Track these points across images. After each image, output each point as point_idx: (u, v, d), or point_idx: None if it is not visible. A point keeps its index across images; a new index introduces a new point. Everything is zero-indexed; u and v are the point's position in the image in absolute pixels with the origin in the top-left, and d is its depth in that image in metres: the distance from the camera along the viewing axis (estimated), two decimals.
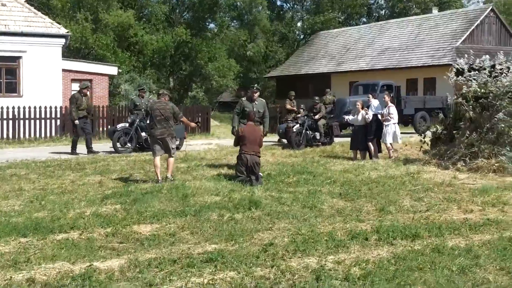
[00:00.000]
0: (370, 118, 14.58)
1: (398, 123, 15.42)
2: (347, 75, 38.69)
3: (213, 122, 28.41)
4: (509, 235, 7.14)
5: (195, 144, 18.15)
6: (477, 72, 13.47)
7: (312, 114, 18.63)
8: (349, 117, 15.82)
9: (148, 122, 11.74)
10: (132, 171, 12.87)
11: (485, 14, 35.14)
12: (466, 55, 14.00)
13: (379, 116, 15.00)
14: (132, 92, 30.82)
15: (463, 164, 12.51)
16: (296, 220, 8.04)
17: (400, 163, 13.48)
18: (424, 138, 14.72)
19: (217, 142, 20.08)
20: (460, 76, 13.87)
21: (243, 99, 13.31)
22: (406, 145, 16.44)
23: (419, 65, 34.26)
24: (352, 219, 8.14)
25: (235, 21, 55.69)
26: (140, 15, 43.50)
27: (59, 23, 25.81)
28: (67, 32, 24.18)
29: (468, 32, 34.32)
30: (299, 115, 19.05)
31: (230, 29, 52.31)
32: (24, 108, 20.92)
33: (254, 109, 12.49)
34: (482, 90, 13.12)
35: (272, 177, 11.70)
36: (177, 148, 13.96)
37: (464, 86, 13.59)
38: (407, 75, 34.56)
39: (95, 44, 35.93)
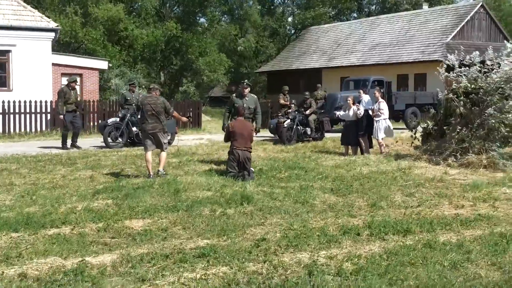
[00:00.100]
0: (362, 113, 14.60)
1: (389, 119, 15.46)
2: (338, 71, 38.71)
3: (204, 117, 28.36)
4: (500, 230, 7.19)
5: (186, 139, 18.11)
6: (467, 68, 13.52)
7: (302, 110, 18.64)
8: (340, 113, 15.84)
9: (139, 117, 11.68)
10: (124, 166, 12.83)
11: (475, 10, 35.24)
12: (456, 51, 14.04)
13: (370, 112, 15.04)
14: (123, 87, 30.70)
15: (454, 160, 12.58)
16: (288, 215, 8.05)
17: (391, 159, 13.53)
18: (415, 133, 14.77)
19: (209, 137, 20.06)
20: (450, 72, 13.91)
21: (234, 95, 13.26)
22: (397, 141, 16.49)
23: (410, 60, 34.33)
24: (344, 214, 8.16)
25: (225, 15, 55.60)
26: (130, 9, 43.27)
27: (48, 17, 25.64)
28: (57, 26, 24.02)
29: (458, 28, 34.41)
30: (290, 110, 19.05)
31: (221, 24, 52.19)
32: (14, 102, 20.78)
33: (245, 105, 12.39)
34: (473, 86, 13.17)
35: (264, 172, 11.71)
36: (169, 143, 13.93)
37: (454, 82, 13.64)
38: (398, 71, 34.64)
39: (85, 38, 35.74)
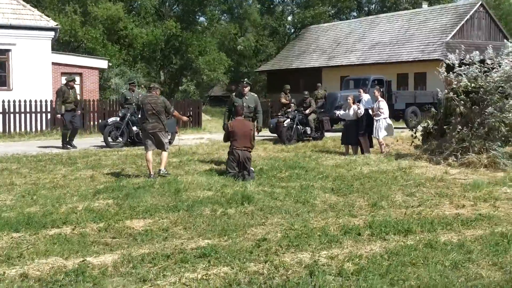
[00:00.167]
0: (362, 112, 14.60)
1: (389, 118, 15.45)
2: (338, 70, 38.72)
3: (204, 117, 28.37)
4: (501, 230, 7.18)
5: (186, 139, 18.11)
6: (467, 67, 13.51)
7: (302, 109, 18.63)
8: (340, 112, 15.83)
9: (139, 116, 11.67)
10: (124, 165, 12.83)
11: (475, 9, 35.25)
12: (457, 51, 14.03)
13: (370, 111, 15.04)
14: (123, 86, 30.68)
15: (455, 159, 12.58)
16: (289, 215, 8.05)
17: (391, 158, 13.53)
18: (415, 133, 14.76)
19: (209, 136, 20.06)
20: (450, 72, 13.90)
21: (233, 94, 13.21)
22: (397, 140, 16.49)
23: (410, 59, 34.34)
24: (345, 214, 8.16)
25: (225, 14, 55.56)
26: (130, 8, 43.25)
27: (48, 16, 25.65)
28: (56, 25, 24.01)
29: (458, 27, 34.42)
30: (289, 109, 19.04)
31: (221, 23, 52.17)
32: (14, 101, 20.78)
33: (244, 104, 12.30)
34: (473, 85, 13.17)
35: (265, 172, 11.71)
36: (169, 142, 13.92)
37: (454, 81, 13.64)
38: (398, 70, 34.64)
39: (84, 37, 35.72)
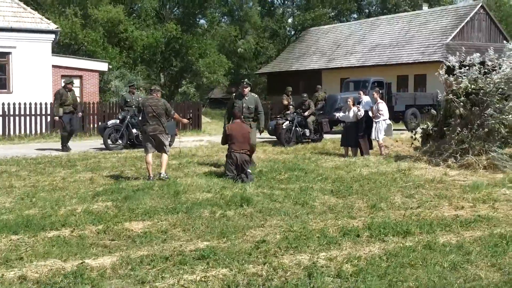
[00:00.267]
0: (362, 114, 14.60)
1: (389, 119, 15.45)
2: (338, 72, 38.72)
3: (204, 119, 28.37)
4: (500, 231, 7.19)
5: (186, 141, 18.11)
6: (467, 68, 13.52)
7: (301, 111, 18.64)
8: (339, 114, 15.80)
9: (140, 118, 11.66)
10: (123, 168, 12.84)
11: (475, 11, 35.25)
12: (458, 53, 14.03)
13: (370, 113, 15.04)
14: (123, 89, 30.68)
15: (454, 161, 12.57)
16: (288, 217, 8.05)
17: (391, 160, 13.53)
18: (415, 134, 14.76)
19: (209, 138, 20.07)
20: (450, 74, 13.91)
21: (233, 95, 13.19)
22: (397, 141, 16.49)
23: (410, 61, 34.34)
24: (344, 215, 8.16)
25: (225, 17, 55.59)
26: (130, 11, 43.24)
27: (48, 19, 25.67)
28: (57, 27, 24.04)
29: (458, 29, 34.42)
30: (288, 111, 19.04)
31: (221, 25, 52.19)
32: (14, 104, 20.79)
33: (244, 105, 12.27)
34: (473, 86, 13.17)
35: (264, 173, 11.71)
36: (169, 144, 13.92)
37: (454, 83, 13.64)
38: (398, 72, 34.64)
39: (84, 40, 35.74)
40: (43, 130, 21.27)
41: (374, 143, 15.23)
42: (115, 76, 33.69)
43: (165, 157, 11.21)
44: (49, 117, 21.32)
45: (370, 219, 7.80)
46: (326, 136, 19.39)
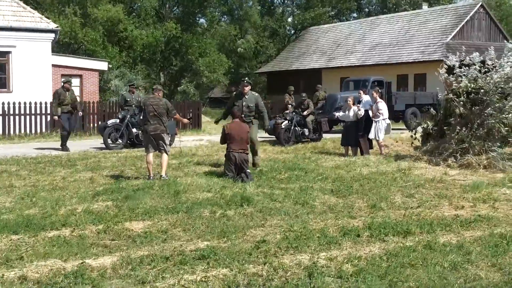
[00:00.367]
0: (362, 114, 14.59)
1: (389, 119, 15.44)
2: (338, 71, 38.69)
3: (204, 118, 28.35)
4: (500, 231, 7.19)
5: (186, 140, 18.10)
6: (467, 68, 13.52)
7: (300, 110, 18.62)
8: (339, 114, 15.79)
9: (141, 117, 11.64)
10: (124, 167, 12.84)
11: (475, 10, 35.21)
12: (458, 53, 14.02)
13: (370, 112, 15.04)
14: (123, 88, 30.67)
15: (454, 160, 12.58)
16: (288, 217, 8.06)
17: (391, 159, 13.53)
18: (415, 134, 14.76)
19: (209, 138, 20.05)
20: (450, 74, 13.91)
21: (234, 94, 13.16)
22: (397, 141, 16.48)
23: (410, 61, 34.31)
24: (344, 215, 8.17)
25: (225, 16, 55.55)
26: (130, 10, 43.21)
27: (48, 18, 25.65)
28: (57, 27, 24.02)
29: (458, 28, 34.39)
30: (287, 111, 19.01)
31: (221, 24, 52.15)
32: (14, 103, 20.79)
33: (244, 103, 12.22)
34: (472, 86, 13.17)
35: (264, 173, 11.71)
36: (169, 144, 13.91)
37: (454, 82, 13.65)
38: (398, 71, 34.62)
39: (84, 39, 35.71)
40: (43, 130, 21.26)
41: (374, 142, 15.22)
42: (115, 75, 33.68)
43: (165, 157, 11.18)
44: (49, 117, 21.30)
45: (370, 219, 7.81)
46: (326, 135, 19.38)
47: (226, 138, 11.40)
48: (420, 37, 35.84)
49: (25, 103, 20.96)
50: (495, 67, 13.24)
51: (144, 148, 11.98)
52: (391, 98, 24.02)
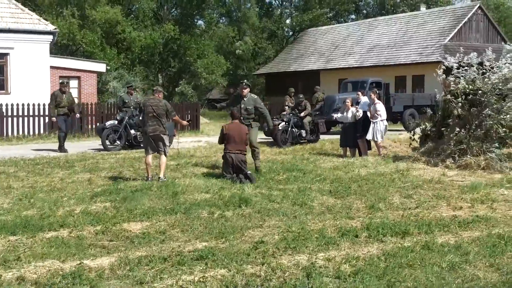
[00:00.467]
0: (361, 115, 14.60)
1: (386, 120, 15.45)
2: (336, 72, 38.74)
3: (202, 120, 28.35)
4: (498, 231, 7.19)
5: (184, 142, 18.09)
6: (465, 69, 13.53)
7: (297, 112, 18.62)
8: (337, 115, 15.79)
9: (140, 118, 11.61)
10: (122, 168, 12.83)
11: (473, 11, 35.27)
12: (458, 54, 14.02)
13: (368, 113, 15.04)
14: (121, 89, 30.67)
15: (452, 161, 12.58)
16: (286, 218, 8.06)
17: (389, 160, 13.54)
18: (413, 135, 14.77)
19: (207, 139, 20.05)
20: (448, 74, 13.92)
21: (234, 95, 13.11)
22: (395, 142, 16.49)
23: (408, 62, 34.37)
24: (342, 216, 8.17)
25: (223, 18, 55.59)
26: (128, 12, 43.23)
27: (46, 20, 25.65)
28: (55, 28, 24.02)
29: (456, 30, 34.44)
30: (284, 112, 18.99)
31: (219, 26, 52.19)
32: (12, 105, 20.78)
33: (242, 106, 12.14)
34: (470, 87, 13.18)
35: (262, 174, 11.71)
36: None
37: (452, 84, 13.66)
38: (396, 73, 34.66)
39: (82, 41, 35.72)
40: (41, 131, 21.25)
41: (372, 143, 15.22)
42: (113, 77, 33.70)
43: (163, 159, 11.13)
44: (47, 118, 21.31)
45: (368, 220, 7.81)
46: (324, 136, 19.38)
47: (224, 138, 11.38)
48: (418, 39, 35.90)
49: (23, 105, 20.96)
50: (493, 68, 13.26)
51: (144, 150, 11.95)
52: (389, 99, 24.05)
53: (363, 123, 14.76)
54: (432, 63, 30.53)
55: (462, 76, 13.48)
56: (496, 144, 12.77)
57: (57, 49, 32.28)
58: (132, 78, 34.40)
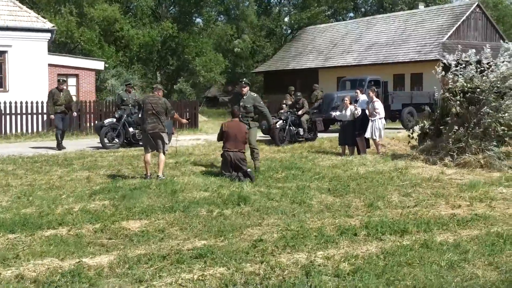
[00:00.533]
0: (359, 113, 14.61)
1: (384, 118, 15.45)
2: (335, 70, 38.74)
3: (201, 118, 28.33)
4: (496, 230, 7.20)
5: (183, 140, 18.08)
6: (463, 66, 13.54)
7: (295, 110, 18.60)
8: (336, 113, 15.79)
9: (140, 116, 11.58)
10: (120, 166, 12.82)
11: (471, 9, 35.30)
12: (456, 52, 14.02)
13: (366, 111, 15.04)
14: (119, 87, 30.64)
15: (451, 160, 12.59)
16: (285, 216, 8.06)
17: (388, 159, 13.54)
18: (412, 133, 14.77)
19: (205, 137, 20.06)
20: (447, 72, 13.93)
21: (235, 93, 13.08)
22: (393, 139, 16.49)
23: (406, 60, 34.38)
24: (341, 214, 8.17)
25: (222, 15, 55.53)
26: (126, 9, 43.17)
27: (44, 17, 25.62)
28: (53, 26, 24.01)
29: (454, 28, 34.46)
30: (282, 111, 18.98)
31: (217, 24, 52.13)
32: (10, 103, 20.76)
33: (241, 104, 12.09)
34: (469, 85, 13.19)
35: (261, 172, 11.70)
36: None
37: (450, 82, 13.67)
38: (394, 71, 34.67)
39: (80, 39, 35.68)
40: (40, 129, 21.24)
41: (371, 141, 15.23)
42: (112, 74, 33.67)
43: (162, 157, 11.10)
44: (45, 116, 21.28)
45: (367, 218, 7.81)
46: (323, 135, 19.38)
47: (223, 135, 11.37)
48: (417, 37, 35.91)
49: (21, 103, 20.94)
50: (490, 66, 13.26)
51: (143, 147, 11.92)
52: (387, 97, 24.05)
53: (362, 121, 14.76)
54: (430, 61, 30.51)
55: (460, 74, 13.48)
56: (495, 142, 12.78)
57: (55, 47, 32.23)
58: (130, 76, 34.37)
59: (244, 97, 12.29)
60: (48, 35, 23.28)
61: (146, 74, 42.30)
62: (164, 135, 11.17)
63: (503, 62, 13.17)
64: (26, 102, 21.02)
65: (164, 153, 11.21)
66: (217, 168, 12.26)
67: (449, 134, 12.99)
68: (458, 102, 13.12)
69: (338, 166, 12.52)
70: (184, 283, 5.35)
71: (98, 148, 16.59)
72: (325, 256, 6.11)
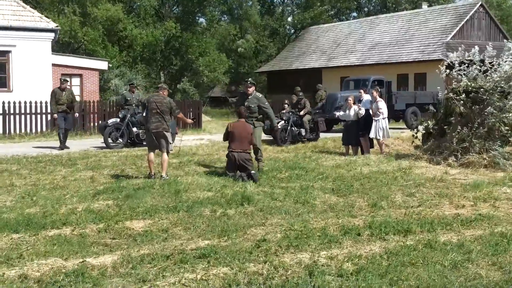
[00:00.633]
0: (363, 113, 14.59)
1: (388, 118, 15.44)
2: (338, 70, 38.70)
3: (204, 118, 28.36)
4: (500, 230, 7.19)
5: (186, 140, 18.08)
6: (467, 66, 13.52)
7: (297, 110, 18.57)
8: (339, 113, 15.77)
9: (144, 115, 11.57)
10: (124, 166, 12.83)
11: (475, 9, 35.24)
12: (460, 49, 13.99)
13: (370, 111, 15.04)
14: (123, 87, 30.67)
15: (455, 160, 12.57)
16: (288, 216, 8.05)
17: (391, 159, 13.52)
18: (416, 133, 14.75)
19: (209, 137, 20.06)
20: (451, 70, 13.90)
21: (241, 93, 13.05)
22: (397, 139, 16.47)
23: (410, 60, 34.33)
24: (345, 214, 8.16)
25: (225, 15, 55.55)
26: (129, 9, 43.22)
27: (47, 17, 25.65)
28: (56, 26, 24.02)
29: (458, 28, 34.41)
30: (284, 111, 18.94)
31: (220, 24, 52.15)
32: (14, 103, 20.80)
33: (246, 104, 12.04)
34: (473, 85, 13.17)
35: (264, 172, 11.70)
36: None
37: (454, 81, 13.65)
38: (398, 70, 34.63)
39: (84, 39, 35.73)
40: (44, 129, 21.26)
41: (374, 141, 15.22)
42: (115, 74, 33.69)
43: (165, 157, 11.09)
44: (49, 116, 21.31)
45: (371, 218, 7.80)
46: (326, 135, 19.36)
47: (228, 136, 11.37)
48: (420, 37, 35.86)
49: (25, 102, 20.97)
50: (493, 65, 13.23)
51: (146, 147, 11.92)
52: (391, 97, 24.03)
53: (365, 121, 14.75)
54: (434, 61, 30.49)
55: (464, 74, 13.46)
56: (499, 142, 12.76)
57: (59, 47, 32.29)
58: (134, 76, 34.37)
59: (249, 97, 12.24)
60: (52, 35, 23.31)
61: (149, 74, 42.33)
62: (168, 135, 11.16)
63: (505, 61, 13.14)
64: (30, 102, 21.05)
65: (168, 153, 11.21)
66: (221, 168, 12.27)
67: (453, 134, 12.97)
68: (462, 102, 13.09)
69: (342, 166, 12.51)
70: (188, 283, 5.35)
71: (102, 148, 16.61)
72: (329, 256, 6.11)
